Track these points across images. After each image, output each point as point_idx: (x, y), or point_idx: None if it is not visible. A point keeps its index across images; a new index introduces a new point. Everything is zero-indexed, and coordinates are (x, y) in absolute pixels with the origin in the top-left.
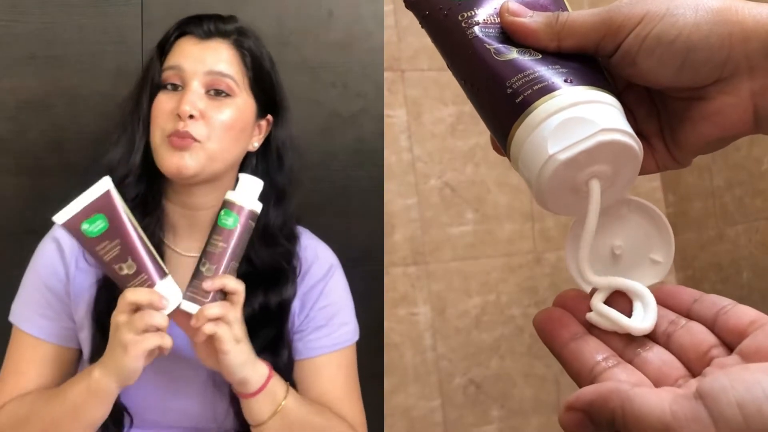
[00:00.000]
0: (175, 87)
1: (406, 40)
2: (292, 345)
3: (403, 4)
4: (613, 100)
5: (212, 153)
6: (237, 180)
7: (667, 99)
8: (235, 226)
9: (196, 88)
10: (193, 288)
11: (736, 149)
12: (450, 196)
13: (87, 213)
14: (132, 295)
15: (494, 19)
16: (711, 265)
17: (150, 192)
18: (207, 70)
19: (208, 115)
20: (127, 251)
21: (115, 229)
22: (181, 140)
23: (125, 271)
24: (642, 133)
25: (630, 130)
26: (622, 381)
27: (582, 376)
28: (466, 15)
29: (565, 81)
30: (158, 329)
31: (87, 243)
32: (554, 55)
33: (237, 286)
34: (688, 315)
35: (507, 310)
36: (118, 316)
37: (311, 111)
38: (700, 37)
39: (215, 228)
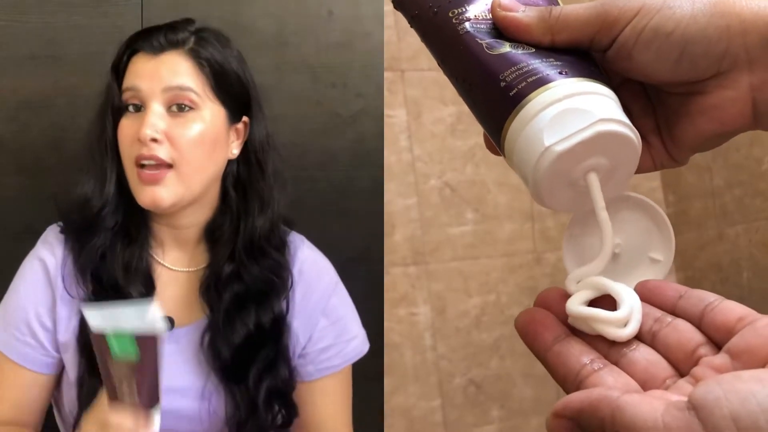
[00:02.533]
0: (137, 108)
1: (406, 40)
2: (301, 369)
3: None
4: (609, 92)
5: (187, 176)
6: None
7: (663, 94)
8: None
9: (155, 108)
10: None
11: (736, 149)
12: (450, 196)
13: (124, 335)
14: (120, 424)
15: (485, 15)
16: (711, 265)
17: (131, 217)
18: (164, 87)
19: (172, 134)
20: (140, 390)
21: (141, 368)
22: (151, 174)
23: (125, 398)
24: (638, 130)
25: (628, 121)
26: (610, 387)
27: (568, 381)
28: (456, 12)
29: (560, 73)
30: None
31: (104, 354)
32: (548, 50)
33: None
34: (674, 311)
35: (507, 310)
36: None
37: (311, 111)
38: (698, 29)
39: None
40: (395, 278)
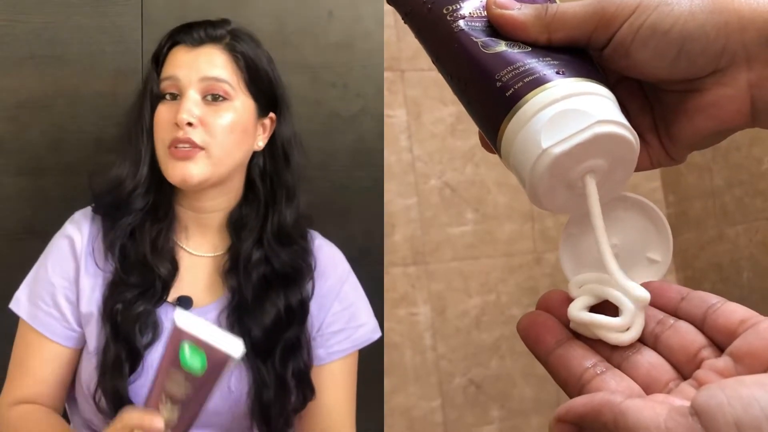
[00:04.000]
0: (173, 96)
1: (406, 40)
2: (313, 352)
3: None
4: (607, 92)
5: (216, 158)
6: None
7: (660, 92)
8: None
9: (192, 95)
10: None
11: (736, 149)
12: (450, 196)
13: (201, 345)
14: (129, 418)
15: (480, 13)
16: (711, 265)
17: (160, 199)
18: (201, 77)
19: (206, 120)
20: (185, 406)
21: (200, 384)
22: (183, 151)
23: (165, 413)
24: (635, 129)
25: (626, 122)
26: (613, 391)
27: (570, 385)
28: (450, 8)
29: (557, 73)
30: None
31: (172, 362)
32: (544, 48)
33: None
34: (676, 313)
35: (507, 310)
36: None
37: (311, 111)
38: (696, 26)
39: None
40: (395, 278)
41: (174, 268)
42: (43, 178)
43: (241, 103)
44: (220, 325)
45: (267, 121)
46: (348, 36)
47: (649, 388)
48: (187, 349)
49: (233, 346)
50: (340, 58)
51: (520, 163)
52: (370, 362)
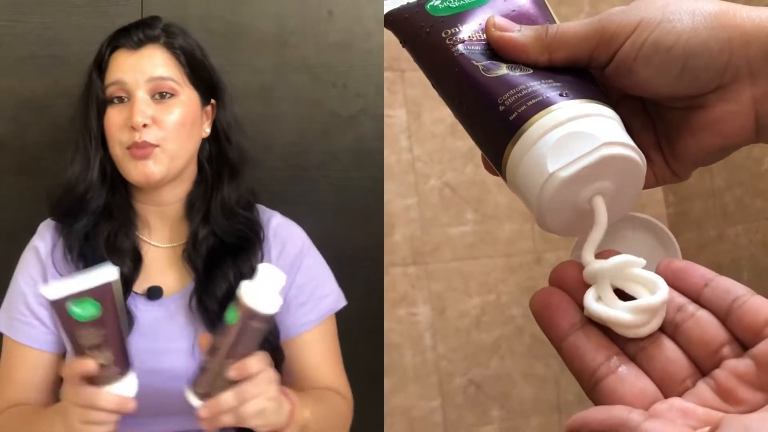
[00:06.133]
0: (121, 99)
1: None
2: (280, 325)
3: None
4: (612, 113)
5: (172, 153)
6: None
7: (663, 110)
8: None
9: (141, 96)
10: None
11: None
12: (450, 196)
13: (80, 296)
14: (69, 369)
15: (480, 36)
16: (711, 265)
17: (114, 199)
18: (147, 78)
19: (159, 118)
20: (109, 344)
21: (105, 321)
22: (141, 150)
23: (100, 360)
24: (639, 147)
25: (632, 143)
26: (633, 398)
27: (583, 378)
28: (449, 32)
29: (561, 95)
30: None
31: (69, 324)
32: (546, 70)
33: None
34: (698, 300)
35: (507, 310)
36: (72, 402)
37: (311, 111)
38: (699, 42)
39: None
40: (395, 278)
41: (135, 263)
42: (43, 178)
43: (187, 97)
44: (191, 311)
45: (209, 108)
46: (348, 36)
47: (664, 383)
48: (74, 308)
49: (105, 273)
50: (340, 58)
51: (526, 187)
52: (370, 362)
